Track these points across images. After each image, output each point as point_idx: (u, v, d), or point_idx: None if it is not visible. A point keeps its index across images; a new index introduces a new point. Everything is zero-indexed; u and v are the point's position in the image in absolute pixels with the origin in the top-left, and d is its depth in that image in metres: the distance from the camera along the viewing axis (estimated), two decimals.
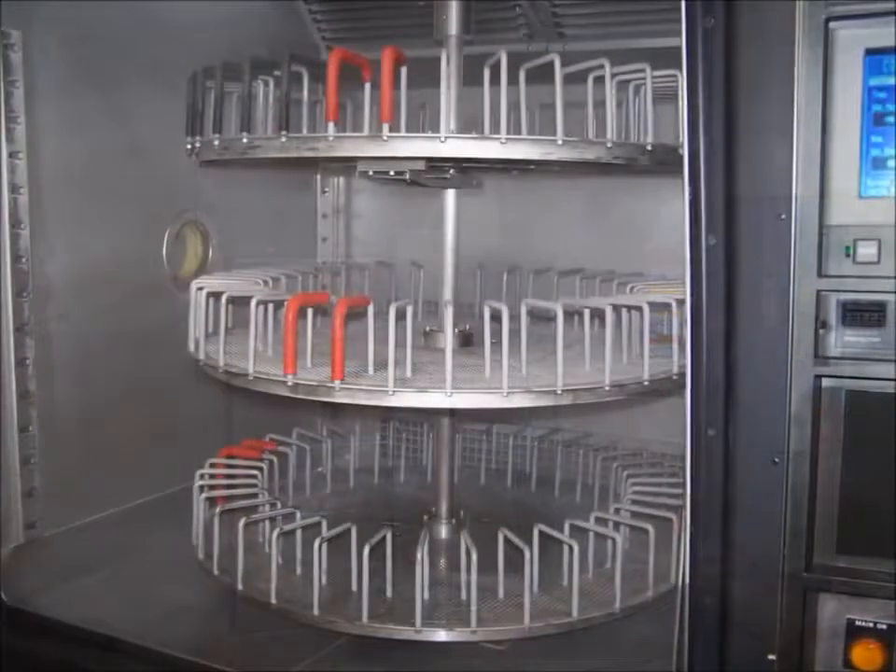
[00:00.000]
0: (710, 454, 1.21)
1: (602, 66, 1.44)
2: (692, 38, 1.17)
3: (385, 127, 1.36)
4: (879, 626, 1.19)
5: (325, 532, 1.53)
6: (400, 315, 1.40)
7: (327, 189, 2.50)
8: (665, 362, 1.49)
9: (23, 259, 1.79)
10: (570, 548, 1.51)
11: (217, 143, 1.50)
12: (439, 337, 1.69)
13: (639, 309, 1.48)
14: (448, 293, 1.69)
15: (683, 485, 1.24)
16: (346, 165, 1.66)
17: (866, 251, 1.15)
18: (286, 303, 1.40)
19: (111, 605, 1.61)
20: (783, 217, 1.16)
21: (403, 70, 1.48)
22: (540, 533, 1.51)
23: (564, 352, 1.38)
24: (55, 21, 1.79)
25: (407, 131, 1.43)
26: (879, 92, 1.14)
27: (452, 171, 1.62)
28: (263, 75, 1.59)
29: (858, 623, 1.20)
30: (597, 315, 1.54)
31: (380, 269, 2.07)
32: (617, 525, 1.61)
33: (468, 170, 1.66)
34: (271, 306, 1.61)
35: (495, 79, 1.38)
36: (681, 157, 1.20)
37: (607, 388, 1.41)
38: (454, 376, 1.37)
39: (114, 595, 1.65)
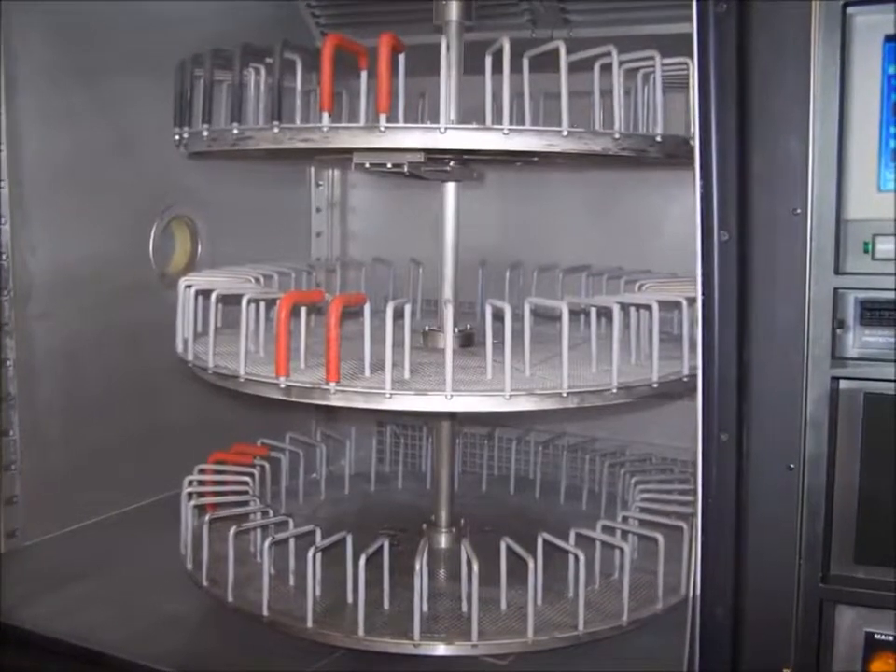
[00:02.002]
0: (722, 459, 1.21)
1: (609, 54, 1.44)
2: (703, 25, 1.17)
3: (383, 117, 1.36)
4: None
5: (319, 541, 1.53)
6: (398, 314, 1.40)
7: (321, 183, 2.50)
8: (675, 363, 1.49)
9: (4, 256, 1.79)
10: (576, 558, 1.51)
11: (206, 134, 1.50)
12: (438, 337, 1.69)
13: (648, 308, 1.48)
14: (448, 291, 1.69)
15: (694, 492, 1.24)
16: (342, 157, 1.66)
17: (885, 247, 1.15)
18: (278, 302, 1.40)
19: (96, 617, 1.61)
20: (798, 211, 1.16)
21: (401, 57, 1.48)
22: (545, 542, 1.51)
23: (569, 353, 1.38)
24: (37, 8, 1.79)
25: (405, 121, 1.44)
26: None
27: (452, 163, 1.62)
28: (255, 62, 1.59)
29: (877, 636, 1.20)
30: (604, 313, 1.55)
31: (377, 266, 2.07)
32: (625, 534, 1.61)
33: (469, 162, 1.66)
34: (262, 305, 1.61)
35: (497, 67, 1.38)
36: (692, 149, 1.20)
37: (614, 391, 1.41)
38: (454, 378, 1.37)
39: (99, 606, 1.65)
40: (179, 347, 1.62)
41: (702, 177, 1.19)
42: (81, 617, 1.60)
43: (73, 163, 1.89)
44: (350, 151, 1.49)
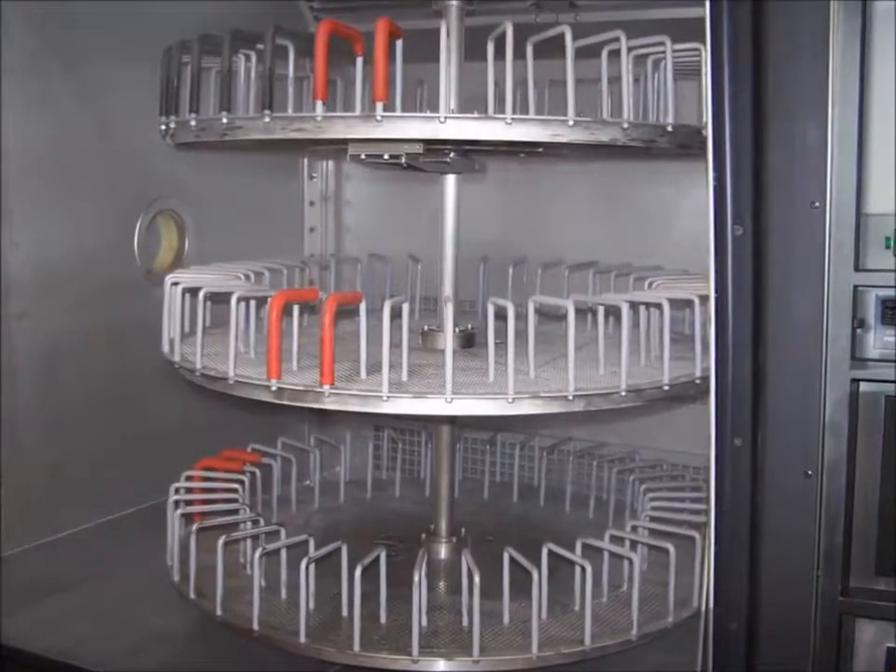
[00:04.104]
0: (736, 465, 1.21)
1: (617, 39, 1.43)
2: (716, 9, 1.17)
3: (379, 106, 1.36)
4: None
5: (312, 552, 1.53)
6: (396, 314, 1.40)
7: (315, 175, 2.50)
8: (687, 365, 1.49)
9: None
10: (583, 569, 1.51)
11: (193, 123, 1.50)
12: (438, 337, 1.69)
13: (659, 306, 1.48)
14: (448, 289, 1.69)
15: (707, 500, 1.24)
16: (336, 148, 1.66)
17: None
18: (269, 300, 1.40)
19: (79, 631, 1.60)
20: (817, 205, 1.16)
21: (399, 43, 1.48)
22: (550, 552, 1.51)
23: (575, 353, 1.38)
24: None
25: (403, 110, 1.43)
26: None
27: (452, 154, 1.62)
28: (245, 49, 1.59)
29: None
30: (612, 312, 1.55)
31: (373, 262, 2.07)
32: (634, 544, 1.61)
33: (470, 153, 1.66)
34: (253, 303, 1.61)
35: (499, 54, 1.38)
36: (705, 139, 1.20)
37: (623, 393, 1.41)
38: (454, 380, 1.37)
39: (82, 620, 1.65)
40: (165, 348, 1.62)
41: (715, 169, 1.19)
42: (64, 631, 1.60)
43: (55, 155, 1.88)
44: (345, 142, 1.49)
